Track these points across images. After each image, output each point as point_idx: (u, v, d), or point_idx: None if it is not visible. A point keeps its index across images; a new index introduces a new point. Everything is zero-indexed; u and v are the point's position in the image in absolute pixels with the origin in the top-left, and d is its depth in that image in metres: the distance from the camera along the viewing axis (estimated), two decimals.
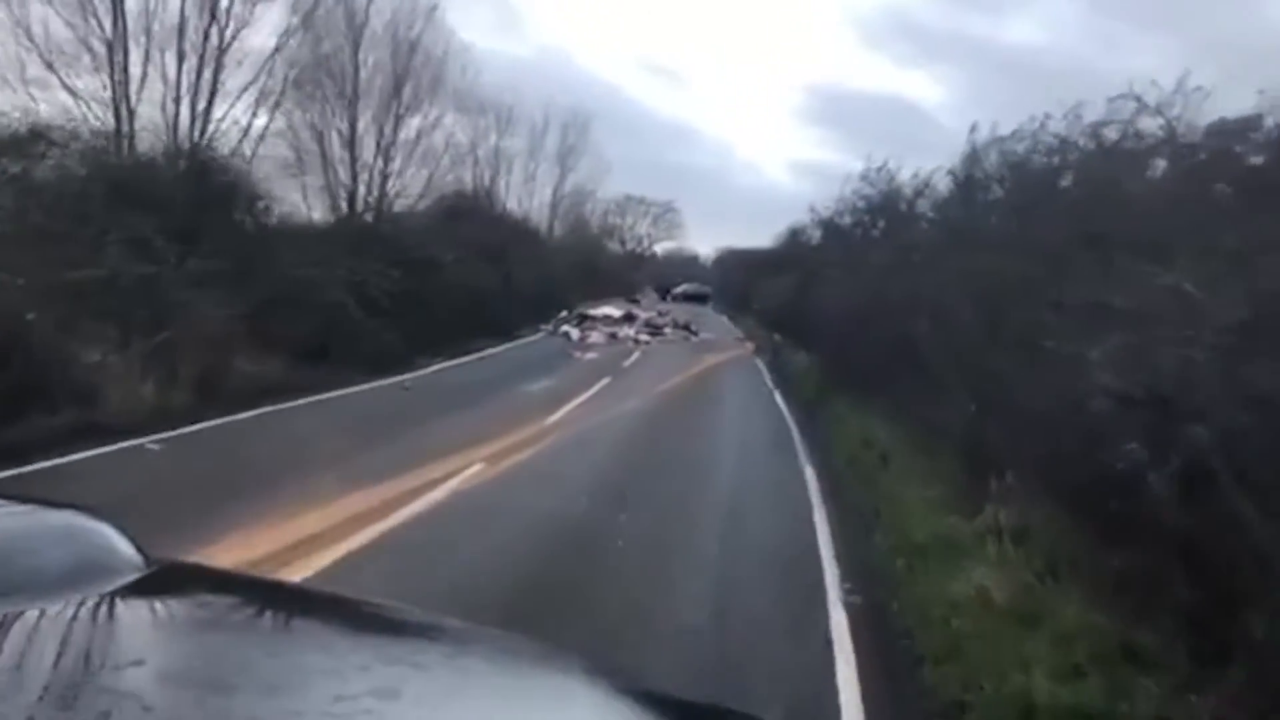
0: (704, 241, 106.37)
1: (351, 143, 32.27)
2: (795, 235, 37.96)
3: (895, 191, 24.48)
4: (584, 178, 56.48)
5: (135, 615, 1.09)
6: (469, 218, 32.67)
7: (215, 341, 12.60)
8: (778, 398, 19.84)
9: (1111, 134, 9.39)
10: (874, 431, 11.78)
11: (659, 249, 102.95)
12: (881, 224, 26.04)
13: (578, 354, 24.33)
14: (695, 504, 9.44)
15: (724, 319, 57.76)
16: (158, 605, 1.12)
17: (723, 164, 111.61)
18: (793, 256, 37.89)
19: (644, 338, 31.57)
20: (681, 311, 56.91)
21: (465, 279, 24.78)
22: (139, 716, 0.85)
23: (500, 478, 9.54)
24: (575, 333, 30.31)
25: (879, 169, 24.85)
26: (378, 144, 36.44)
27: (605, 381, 18.79)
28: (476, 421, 12.55)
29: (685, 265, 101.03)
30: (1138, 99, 8.39)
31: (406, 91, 36.90)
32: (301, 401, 13.36)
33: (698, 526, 8.58)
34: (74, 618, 1.02)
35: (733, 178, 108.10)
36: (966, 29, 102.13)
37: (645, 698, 1.12)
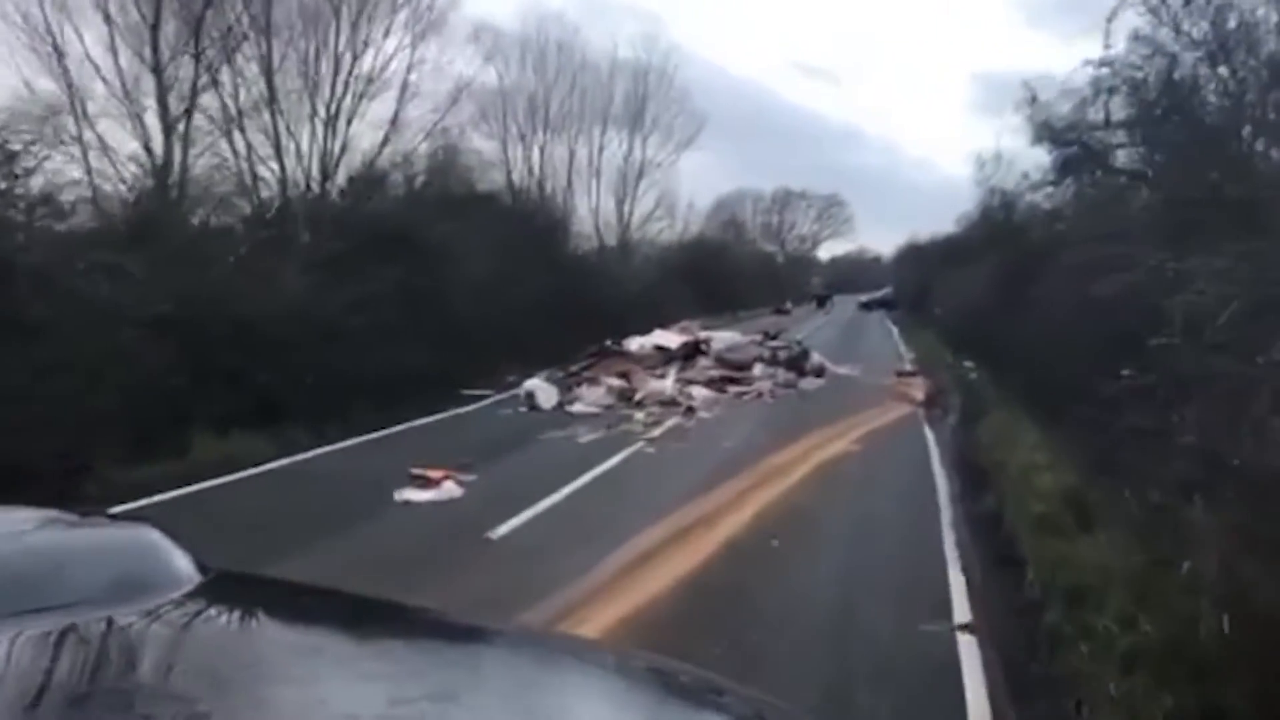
0: (884, 243, 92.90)
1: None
2: (999, 200, 20.98)
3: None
4: (667, 141, 40.91)
5: (190, 624, 1.09)
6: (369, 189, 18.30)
7: None
8: None
9: None
10: None
11: (833, 250, 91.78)
12: None
13: (410, 494, 8.94)
14: None
15: (893, 333, 42.03)
16: (212, 614, 1.12)
17: (891, 161, 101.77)
18: (991, 235, 21.50)
19: (700, 393, 16.09)
20: (839, 323, 42.76)
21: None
22: None
23: None
24: (547, 394, 15.10)
25: None
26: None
27: None
28: None
29: (866, 268, 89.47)
30: None
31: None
32: None
33: None
34: (129, 627, 1.01)
35: (904, 175, 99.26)
36: None
37: (713, 704, 1.09)
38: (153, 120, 17.15)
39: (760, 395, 17.15)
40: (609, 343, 21.43)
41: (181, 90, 17.15)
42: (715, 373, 18.19)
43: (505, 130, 32.63)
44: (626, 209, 40.26)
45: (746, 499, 8.99)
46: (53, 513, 1.27)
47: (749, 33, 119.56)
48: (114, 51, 16.65)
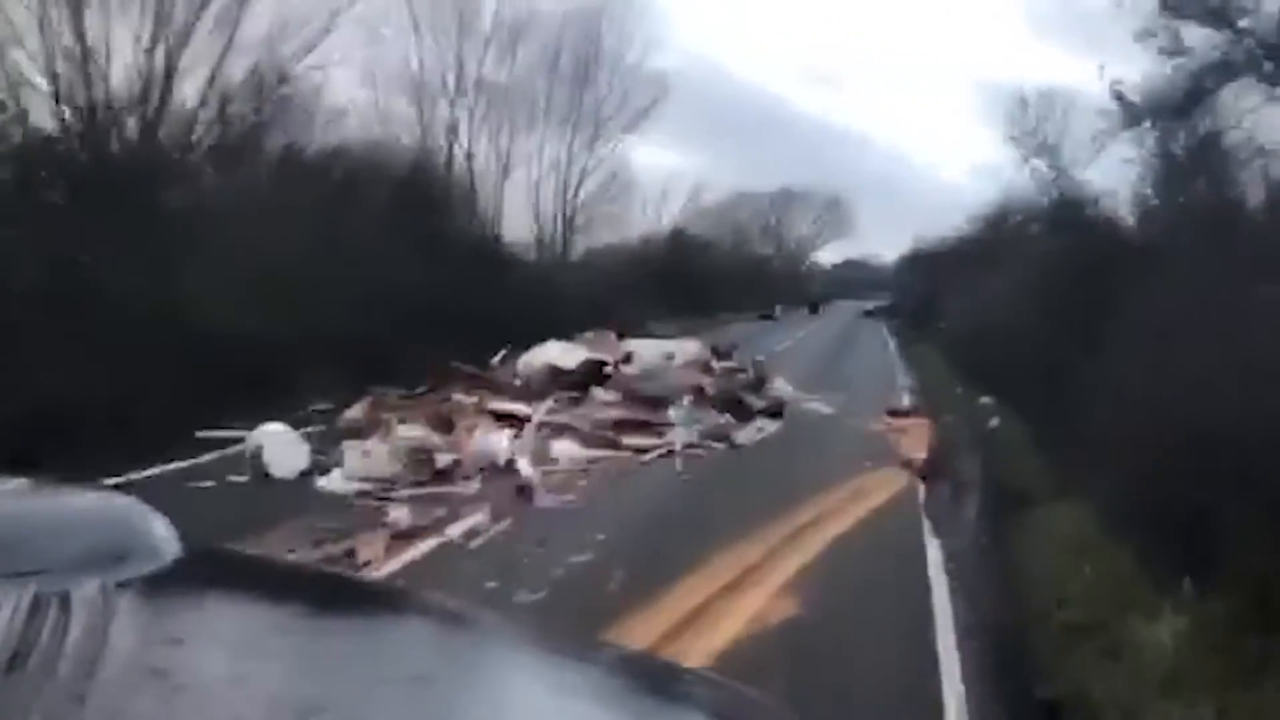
0: (888, 250, 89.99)
1: None
2: (1048, 163, 15.07)
3: None
4: (623, 108, 34.81)
5: (171, 598, 1.04)
6: None
7: None
8: None
9: None
10: None
11: (835, 255, 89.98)
12: None
13: None
14: None
15: (890, 345, 36.54)
16: (194, 588, 1.08)
17: (896, 169, 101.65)
18: (1051, 219, 15.41)
19: (569, 452, 10.07)
20: (829, 333, 39.02)
21: None
22: (173, 695, 0.84)
23: None
24: (286, 453, 8.97)
25: None
26: None
27: None
28: None
29: (869, 276, 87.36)
30: None
31: None
32: None
33: None
34: (109, 598, 0.96)
35: (908, 183, 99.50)
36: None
37: (687, 694, 1.08)
38: None
39: (672, 453, 11.04)
40: (503, 356, 15.66)
41: None
42: (614, 413, 12.07)
43: (422, 80, 26.56)
44: (572, 189, 34.02)
45: None
46: (32, 480, 1.20)
47: (754, 39, 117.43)
48: None
